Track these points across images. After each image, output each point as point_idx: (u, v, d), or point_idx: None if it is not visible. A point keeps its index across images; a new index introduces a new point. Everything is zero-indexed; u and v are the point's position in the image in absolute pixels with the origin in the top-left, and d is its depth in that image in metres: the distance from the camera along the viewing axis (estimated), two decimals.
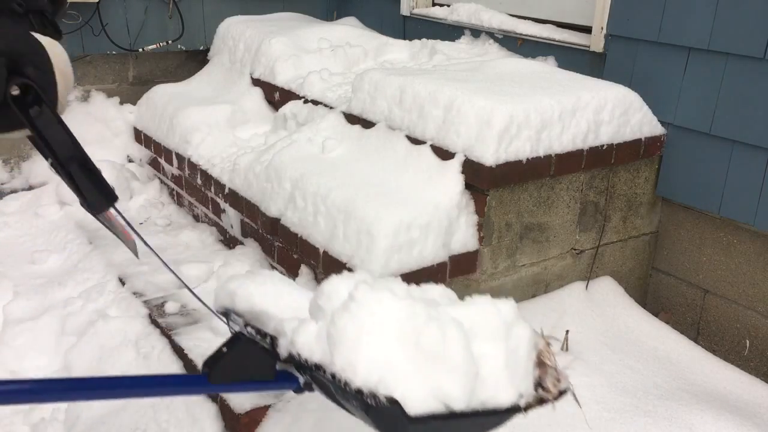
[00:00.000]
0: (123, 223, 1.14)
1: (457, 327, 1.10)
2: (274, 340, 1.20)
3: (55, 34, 1.05)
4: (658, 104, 2.50)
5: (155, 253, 1.25)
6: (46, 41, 0.98)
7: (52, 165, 0.99)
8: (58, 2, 1.14)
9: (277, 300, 1.28)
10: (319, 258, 2.21)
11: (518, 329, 1.17)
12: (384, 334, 1.07)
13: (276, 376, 1.23)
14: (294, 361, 1.15)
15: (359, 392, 1.01)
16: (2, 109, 0.94)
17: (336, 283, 1.18)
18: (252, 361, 1.21)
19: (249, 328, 1.24)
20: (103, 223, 1.10)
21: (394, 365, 1.05)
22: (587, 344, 2.25)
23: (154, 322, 2.41)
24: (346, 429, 1.92)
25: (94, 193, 1.00)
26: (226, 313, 1.32)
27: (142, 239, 1.20)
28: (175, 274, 1.34)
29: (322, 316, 1.15)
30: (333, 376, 1.06)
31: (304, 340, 1.14)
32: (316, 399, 2.04)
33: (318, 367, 1.09)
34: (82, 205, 1.03)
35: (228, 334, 1.28)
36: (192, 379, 1.28)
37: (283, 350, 1.17)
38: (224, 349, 1.20)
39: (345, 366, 1.04)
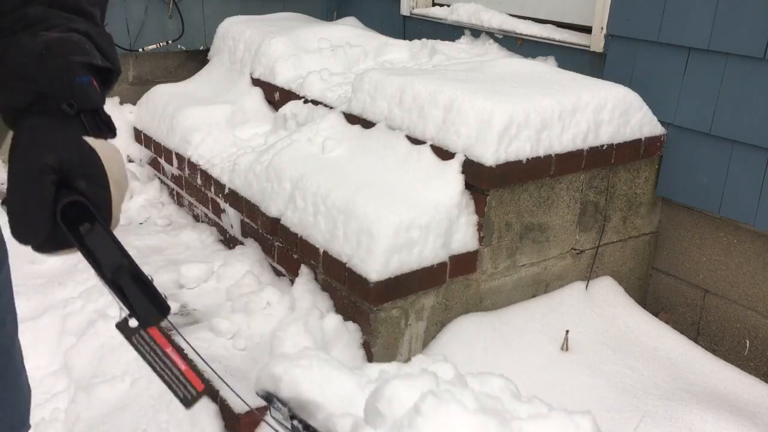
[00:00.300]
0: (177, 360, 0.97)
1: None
2: None
3: (109, 134, 0.93)
4: (658, 104, 2.50)
5: (209, 365, 1.07)
6: (100, 146, 0.88)
7: (99, 278, 0.88)
8: (108, 87, 0.99)
9: (324, 387, 1.20)
10: (319, 258, 2.21)
11: None
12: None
13: None
14: None
15: None
16: (52, 229, 0.84)
17: (398, 388, 1.09)
18: None
19: (295, 421, 1.16)
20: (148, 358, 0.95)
21: None
22: (587, 344, 2.25)
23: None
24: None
25: (146, 306, 0.90)
26: (268, 398, 1.25)
27: (198, 355, 1.05)
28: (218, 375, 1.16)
29: (381, 423, 1.07)
30: None
31: None
32: None
33: None
34: (129, 317, 0.92)
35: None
36: None
37: None
38: None
39: None
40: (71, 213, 0.84)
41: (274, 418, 1.22)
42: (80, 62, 0.90)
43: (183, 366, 0.96)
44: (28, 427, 1.25)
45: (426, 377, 1.14)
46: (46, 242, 0.85)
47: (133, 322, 0.92)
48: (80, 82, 0.89)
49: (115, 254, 0.87)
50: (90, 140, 0.87)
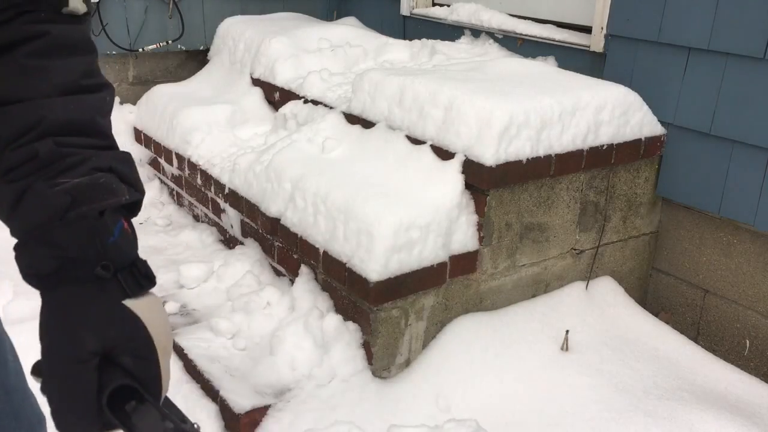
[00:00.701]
0: None
1: None
2: None
3: (149, 285, 0.79)
4: (658, 104, 2.50)
5: None
6: (143, 308, 0.76)
7: None
8: (135, 215, 0.83)
9: None
10: (319, 258, 2.21)
11: None
12: None
13: None
14: None
15: None
16: (98, 416, 0.73)
17: None
18: None
19: None
20: None
21: None
22: (587, 344, 2.25)
23: None
24: (344, 428, 1.92)
25: None
26: None
27: None
28: None
29: None
30: None
31: None
32: (316, 399, 2.05)
33: None
34: None
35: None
36: None
37: None
38: None
39: None
40: (118, 394, 0.74)
41: None
42: (111, 213, 0.77)
43: None
44: None
45: None
46: (90, 428, 0.75)
47: None
48: (115, 241, 0.76)
49: (162, 427, 0.75)
50: (131, 304, 0.75)
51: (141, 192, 0.82)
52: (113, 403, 0.74)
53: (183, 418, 0.76)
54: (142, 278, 0.78)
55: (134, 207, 0.82)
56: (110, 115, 0.86)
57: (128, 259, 0.77)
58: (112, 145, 0.83)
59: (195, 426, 0.77)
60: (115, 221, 0.77)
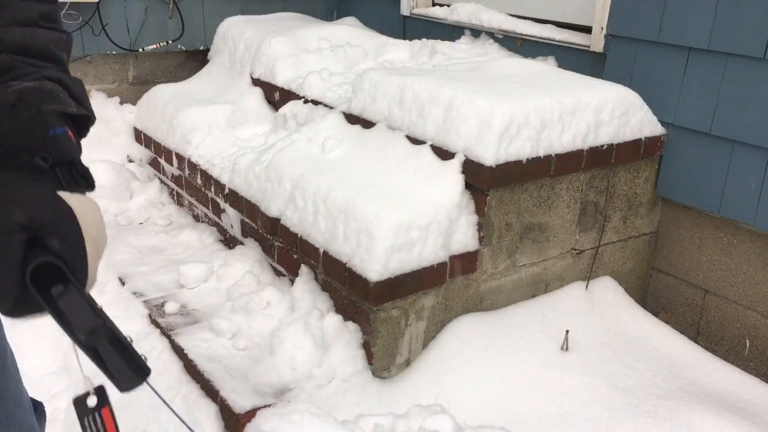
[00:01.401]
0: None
1: None
2: None
3: (87, 187, 0.88)
4: (658, 104, 2.50)
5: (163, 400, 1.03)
6: (77, 203, 0.81)
7: (73, 342, 0.82)
8: (84, 135, 0.95)
9: None
10: (319, 258, 2.21)
11: None
12: None
13: None
14: None
15: None
16: (21, 292, 0.76)
17: None
18: None
19: None
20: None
21: None
22: (587, 344, 2.25)
23: (154, 322, 2.41)
24: (344, 428, 1.92)
25: (125, 370, 0.83)
26: None
27: (167, 404, 1.03)
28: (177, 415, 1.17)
29: None
30: None
31: None
32: (316, 399, 2.04)
33: None
34: (87, 394, 0.87)
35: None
36: None
37: None
38: None
39: None
40: (44, 274, 0.77)
41: None
42: (54, 112, 0.86)
43: None
44: None
45: None
46: (16, 306, 0.77)
47: (92, 401, 0.87)
48: (54, 134, 0.85)
49: (90, 316, 0.80)
50: (65, 195, 0.81)
51: (89, 111, 0.94)
52: (41, 286, 0.76)
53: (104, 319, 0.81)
54: (80, 177, 0.87)
55: (81, 125, 0.93)
56: (68, 55, 1.00)
57: (67, 157, 0.86)
58: (66, 71, 0.96)
59: (129, 338, 0.83)
60: (57, 122, 0.87)
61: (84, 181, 0.87)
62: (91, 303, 0.80)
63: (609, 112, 2.35)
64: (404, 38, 3.69)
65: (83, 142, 0.94)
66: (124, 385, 0.84)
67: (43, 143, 0.83)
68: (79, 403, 0.87)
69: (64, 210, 0.80)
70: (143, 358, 0.85)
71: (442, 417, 1.24)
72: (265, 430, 1.20)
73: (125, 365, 0.83)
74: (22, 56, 0.91)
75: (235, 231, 2.84)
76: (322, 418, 1.26)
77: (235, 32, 3.59)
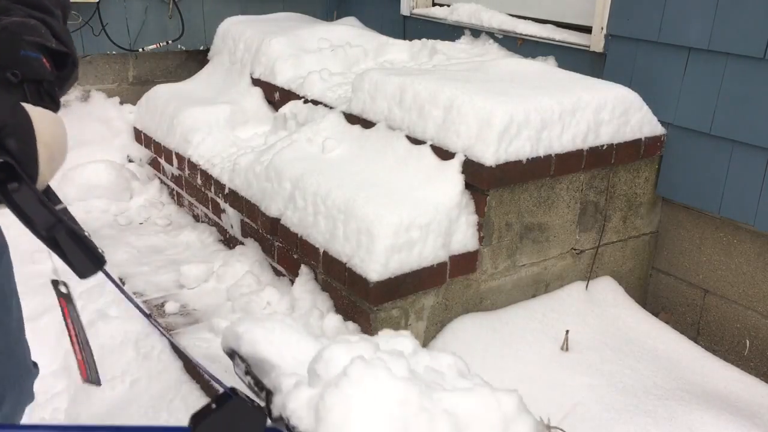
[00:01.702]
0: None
1: (448, 420, 1.07)
2: (269, 394, 1.18)
3: (51, 105, 1.00)
4: (658, 104, 2.50)
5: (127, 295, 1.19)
6: (36, 113, 0.92)
7: (36, 236, 0.93)
8: (65, 72, 1.07)
9: (282, 349, 1.24)
10: (319, 258, 2.21)
11: (518, 424, 1.14)
12: (371, 419, 1.05)
13: None
14: (284, 423, 1.13)
15: None
16: None
17: (335, 351, 1.15)
18: (241, 419, 1.18)
19: (249, 377, 1.23)
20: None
21: None
22: (587, 344, 2.25)
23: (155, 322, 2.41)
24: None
25: (83, 259, 0.95)
26: (232, 354, 1.31)
27: (138, 306, 1.17)
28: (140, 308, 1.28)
29: (317, 383, 1.13)
30: None
31: (294, 406, 1.12)
32: None
33: None
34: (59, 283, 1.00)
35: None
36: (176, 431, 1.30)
37: (275, 409, 1.15)
38: (213, 406, 1.20)
39: None
40: (2, 173, 0.88)
41: (236, 372, 1.29)
42: (31, 41, 0.99)
43: (78, 355, 1.07)
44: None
45: (364, 344, 1.19)
46: None
47: (63, 289, 1.01)
48: (26, 54, 0.98)
49: (46, 215, 0.90)
50: (29, 107, 0.91)
51: (70, 50, 1.05)
52: None
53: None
54: (46, 95, 0.99)
55: (61, 62, 1.04)
56: (64, 16, 1.14)
57: (36, 77, 0.98)
58: (57, 19, 1.09)
59: (86, 233, 0.94)
60: (33, 49, 0.99)
61: (49, 98, 1.00)
62: (45, 200, 0.90)
63: (609, 112, 2.35)
64: (404, 38, 3.69)
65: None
66: (83, 273, 0.96)
67: (14, 61, 0.96)
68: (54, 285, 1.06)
69: (23, 116, 0.90)
70: (100, 251, 0.96)
71: (404, 339, 1.31)
72: (239, 330, 1.28)
73: (83, 256, 0.94)
74: (17, 3, 1.05)
75: (235, 231, 2.84)
76: (295, 329, 1.32)
77: (235, 32, 3.59)
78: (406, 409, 1.06)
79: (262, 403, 1.19)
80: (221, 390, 1.14)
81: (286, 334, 1.30)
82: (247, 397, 1.19)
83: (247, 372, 1.25)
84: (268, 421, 1.19)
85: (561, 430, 1.30)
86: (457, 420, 1.08)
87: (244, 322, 1.31)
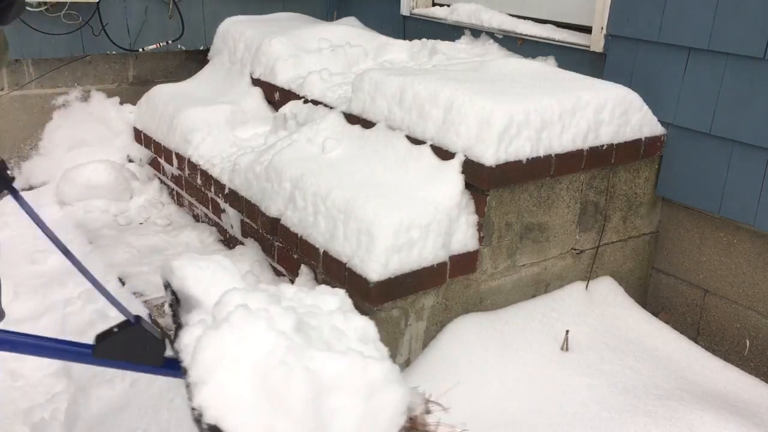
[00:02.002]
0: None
1: (306, 377, 1.11)
2: (178, 328, 1.25)
3: None
4: (658, 104, 2.50)
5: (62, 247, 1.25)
6: None
7: None
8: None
9: (211, 289, 1.32)
10: (319, 258, 2.21)
11: (385, 392, 1.16)
12: (237, 364, 1.11)
13: (165, 363, 1.32)
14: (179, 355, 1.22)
15: (193, 409, 1.10)
16: None
17: (232, 297, 1.22)
18: (141, 345, 1.27)
19: (170, 310, 1.32)
20: None
21: (236, 396, 1.09)
22: (587, 344, 2.25)
23: (154, 322, 2.41)
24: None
25: None
26: (166, 286, 1.40)
27: (58, 244, 1.21)
28: (80, 267, 1.34)
29: (212, 324, 1.19)
30: (187, 385, 1.13)
31: (186, 342, 1.20)
32: None
33: (185, 371, 1.16)
34: None
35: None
36: (79, 348, 1.35)
37: (178, 342, 1.23)
38: (115, 329, 1.26)
39: (195, 381, 1.11)
40: None
41: (169, 304, 1.38)
42: None
43: None
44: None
45: (261, 294, 1.25)
46: None
47: None
48: None
49: None
50: None
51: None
52: None
53: None
54: None
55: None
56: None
57: None
58: None
59: None
60: None
61: None
62: None
63: (609, 112, 2.35)
64: (404, 38, 3.70)
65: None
66: None
67: None
68: None
69: None
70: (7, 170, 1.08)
71: (331, 297, 1.38)
72: (173, 265, 1.35)
73: None
74: None
75: (235, 231, 2.84)
76: (229, 271, 1.37)
77: (235, 32, 3.59)
78: (269, 360, 1.11)
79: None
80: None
81: (218, 275, 1.37)
82: (153, 326, 1.27)
83: (171, 305, 1.33)
84: (170, 352, 1.27)
85: (439, 404, 1.30)
86: (318, 379, 1.12)
87: (181, 257, 1.38)
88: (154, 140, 3.41)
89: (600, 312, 2.41)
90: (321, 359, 1.14)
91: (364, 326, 1.31)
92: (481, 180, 2.12)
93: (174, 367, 1.29)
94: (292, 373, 1.10)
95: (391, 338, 2.10)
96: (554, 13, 3.12)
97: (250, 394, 1.09)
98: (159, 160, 3.44)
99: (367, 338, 1.30)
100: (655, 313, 2.54)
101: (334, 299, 1.35)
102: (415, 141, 2.29)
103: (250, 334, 1.12)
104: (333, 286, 2.20)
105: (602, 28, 2.71)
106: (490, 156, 2.08)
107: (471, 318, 2.23)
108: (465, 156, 2.14)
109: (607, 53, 2.72)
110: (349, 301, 1.41)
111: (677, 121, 2.48)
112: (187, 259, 1.38)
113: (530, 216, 2.29)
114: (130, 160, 3.71)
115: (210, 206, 3.04)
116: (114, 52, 3.80)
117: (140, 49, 3.84)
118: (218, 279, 1.35)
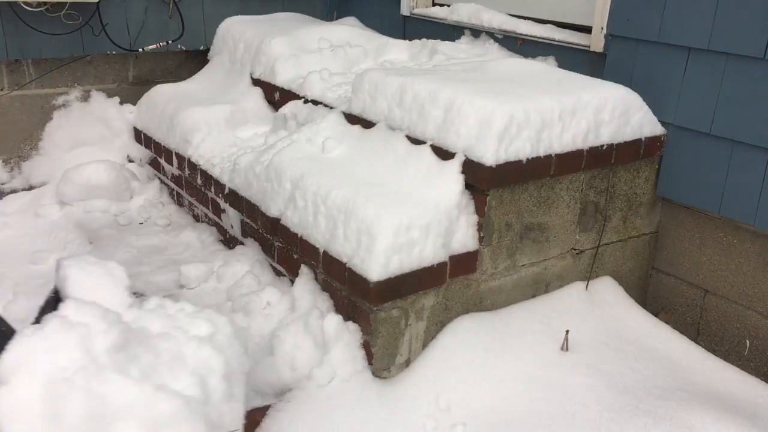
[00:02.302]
0: None
1: (87, 399, 1.14)
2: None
3: None
4: (658, 104, 2.50)
5: None
6: None
7: None
8: None
9: (92, 292, 1.36)
10: (319, 258, 2.21)
11: (172, 429, 1.20)
12: (35, 374, 1.13)
13: None
14: None
15: None
16: None
17: (70, 305, 1.25)
18: None
19: (43, 303, 1.38)
20: None
21: (26, 404, 1.11)
22: (587, 344, 2.25)
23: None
24: (345, 429, 1.92)
25: None
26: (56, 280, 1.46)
27: None
28: None
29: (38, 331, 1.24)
30: None
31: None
32: (316, 399, 2.05)
33: None
34: None
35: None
36: None
37: None
38: None
39: None
40: None
41: (46, 299, 1.44)
42: None
43: None
44: None
45: (96, 309, 1.28)
46: None
47: None
48: None
49: None
50: None
51: None
52: None
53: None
54: None
55: None
56: None
57: None
58: None
59: None
60: None
61: None
62: None
63: (609, 112, 2.35)
64: (404, 38, 3.70)
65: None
66: None
67: None
68: None
69: None
70: None
71: (206, 323, 1.43)
72: (63, 263, 1.46)
73: None
74: None
75: (235, 231, 2.84)
76: (115, 280, 1.44)
77: (235, 32, 3.59)
78: (57, 375, 1.14)
79: None
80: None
81: (102, 280, 1.40)
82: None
83: (47, 300, 1.37)
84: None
85: None
86: (105, 404, 1.14)
87: (73, 257, 1.42)
88: (154, 140, 3.41)
89: (600, 312, 2.41)
90: (115, 384, 1.16)
91: (208, 358, 1.32)
92: (481, 180, 2.12)
93: None
94: (72, 392, 1.12)
95: (391, 338, 2.10)
96: (554, 13, 3.12)
97: (39, 405, 1.11)
98: (159, 160, 3.44)
99: (209, 370, 1.32)
100: (655, 313, 2.54)
101: (206, 326, 1.38)
102: (416, 141, 2.29)
103: (58, 346, 1.14)
104: (333, 286, 2.21)
105: (602, 28, 2.71)
106: (490, 156, 2.08)
107: (471, 318, 2.23)
108: (465, 156, 2.14)
109: (607, 53, 2.72)
110: (227, 330, 1.44)
111: (677, 121, 2.48)
112: (77, 260, 1.42)
113: (530, 216, 2.29)
114: (130, 160, 3.71)
115: (210, 206, 3.04)
116: (114, 52, 3.80)
117: (140, 49, 3.84)
118: (101, 284, 1.38)
